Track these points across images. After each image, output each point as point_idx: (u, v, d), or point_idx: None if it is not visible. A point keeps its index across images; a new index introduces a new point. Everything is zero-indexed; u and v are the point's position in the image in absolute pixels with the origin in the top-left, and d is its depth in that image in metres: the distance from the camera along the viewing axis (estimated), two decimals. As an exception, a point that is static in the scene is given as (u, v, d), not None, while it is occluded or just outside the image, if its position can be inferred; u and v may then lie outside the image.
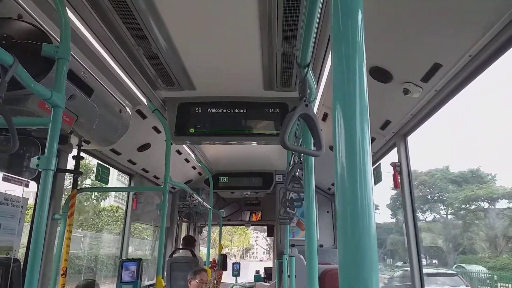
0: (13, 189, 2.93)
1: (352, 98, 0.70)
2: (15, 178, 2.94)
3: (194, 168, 6.69)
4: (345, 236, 0.64)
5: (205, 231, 10.48)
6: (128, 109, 3.49)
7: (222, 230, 8.13)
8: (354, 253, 0.62)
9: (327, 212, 7.02)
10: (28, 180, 2.97)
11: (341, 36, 0.74)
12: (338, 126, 0.70)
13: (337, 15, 0.76)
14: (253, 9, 2.35)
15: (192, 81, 3.40)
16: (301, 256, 5.64)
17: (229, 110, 3.72)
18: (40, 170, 1.76)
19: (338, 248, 0.66)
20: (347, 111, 0.70)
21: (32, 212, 3.34)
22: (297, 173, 2.71)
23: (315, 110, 2.88)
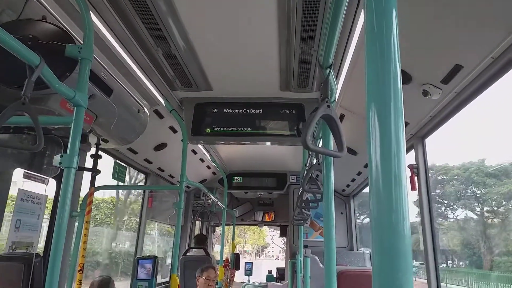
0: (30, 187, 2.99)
1: (388, 100, 0.70)
2: (36, 175, 3.00)
3: (208, 167, 6.72)
4: (380, 239, 0.64)
5: (218, 230, 10.52)
6: (146, 109, 3.53)
7: (236, 228, 8.15)
8: (388, 256, 0.62)
9: (341, 213, 6.99)
10: (49, 178, 3.03)
11: (375, 36, 0.74)
12: (373, 128, 0.70)
13: (371, 15, 0.75)
14: (272, 10, 2.35)
15: (209, 82, 3.42)
16: (316, 257, 5.62)
17: (245, 111, 3.73)
18: (63, 168, 1.80)
19: (372, 252, 0.66)
20: (382, 113, 0.69)
21: (51, 209, 3.40)
22: (313, 175, 2.71)
23: (332, 111, 2.87)
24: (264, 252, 57.21)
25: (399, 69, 0.73)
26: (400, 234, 0.63)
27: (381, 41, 0.74)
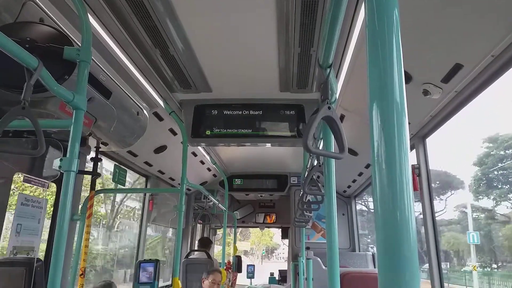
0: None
1: (390, 99, 0.69)
2: (36, 179, 2.99)
3: (209, 169, 6.71)
4: (385, 239, 0.62)
5: (219, 233, 10.51)
6: (145, 111, 3.52)
7: (240, 229, 8.13)
8: (394, 256, 0.61)
9: (343, 214, 6.97)
10: (48, 182, 3.02)
11: (377, 35, 0.73)
12: (376, 127, 0.69)
13: (372, 14, 0.74)
14: (271, 11, 2.35)
15: (209, 83, 3.41)
16: (318, 259, 5.61)
17: (245, 112, 3.72)
18: (63, 171, 1.79)
19: (378, 253, 0.65)
20: (385, 112, 0.68)
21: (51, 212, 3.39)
22: (314, 176, 2.69)
23: (332, 112, 2.86)
24: (274, 254, 54.45)
25: (402, 68, 0.72)
26: (405, 234, 0.61)
27: (382, 40, 0.73)
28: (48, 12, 2.15)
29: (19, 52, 1.45)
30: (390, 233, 0.63)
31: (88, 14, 2.07)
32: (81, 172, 3.32)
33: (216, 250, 12.68)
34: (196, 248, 7.50)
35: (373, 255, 6.56)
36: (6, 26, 1.89)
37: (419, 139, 3.48)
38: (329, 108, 1.33)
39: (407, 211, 0.63)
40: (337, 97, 3.54)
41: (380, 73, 0.72)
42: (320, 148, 2.64)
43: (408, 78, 2.63)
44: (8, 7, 1.93)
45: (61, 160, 1.79)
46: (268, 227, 9.80)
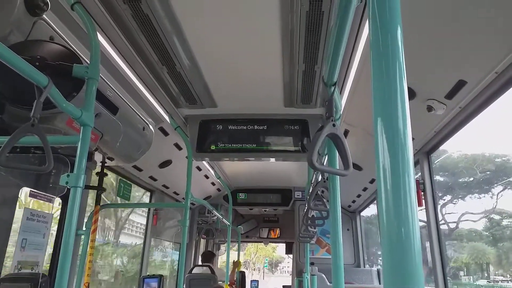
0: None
1: (394, 116, 0.70)
2: (42, 194, 3.01)
3: (213, 184, 6.71)
4: (390, 255, 0.63)
5: (223, 248, 10.44)
6: (151, 126, 3.55)
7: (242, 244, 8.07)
8: (400, 272, 0.62)
9: (348, 230, 6.92)
10: (55, 197, 3.03)
11: (381, 54, 0.75)
12: (381, 143, 0.70)
13: (376, 32, 0.76)
14: (275, 28, 2.39)
15: (214, 99, 3.45)
16: (323, 275, 5.55)
17: (249, 127, 3.75)
18: (69, 187, 1.80)
19: (383, 269, 0.66)
20: (389, 129, 0.70)
21: (57, 227, 3.39)
22: (318, 191, 2.70)
23: (337, 127, 2.88)
24: (278, 268, 52.42)
25: (406, 85, 0.74)
26: (410, 249, 0.62)
27: (386, 58, 0.75)
28: (58, 30, 2.20)
29: (30, 70, 1.48)
30: (395, 249, 0.63)
31: (97, 32, 2.11)
32: (87, 187, 3.34)
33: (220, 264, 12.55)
34: (199, 262, 7.45)
35: (378, 271, 6.49)
36: (17, 45, 1.93)
37: (423, 154, 3.48)
38: (333, 125, 1.34)
39: (412, 226, 0.64)
40: (341, 113, 3.58)
41: (385, 90, 0.74)
42: (325, 163, 2.65)
43: (412, 94, 2.65)
44: (19, 26, 1.98)
45: (68, 176, 1.81)
46: (272, 242, 9.73)
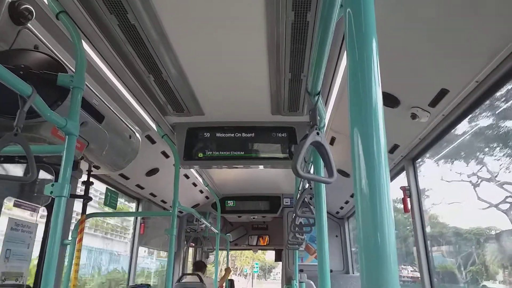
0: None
1: (369, 124, 0.72)
2: (26, 203, 2.97)
3: (201, 192, 6.69)
4: (367, 259, 0.65)
5: (211, 256, 10.38)
6: (137, 134, 3.53)
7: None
8: (376, 275, 0.63)
9: (336, 236, 6.94)
10: (40, 206, 2.99)
11: (357, 64, 0.77)
12: (357, 150, 0.72)
13: (352, 44, 0.78)
14: (262, 37, 2.41)
15: (201, 107, 3.46)
16: (311, 282, 5.55)
17: (237, 135, 3.76)
18: (54, 197, 1.78)
19: (361, 272, 0.67)
20: (365, 136, 0.72)
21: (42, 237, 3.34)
22: (306, 198, 2.71)
23: (323, 135, 2.91)
24: (271, 274, 49.06)
25: (380, 94, 0.76)
26: (386, 254, 0.64)
27: (361, 67, 0.77)
28: (43, 39, 2.19)
29: (13, 80, 1.47)
30: (371, 253, 0.65)
31: (82, 41, 2.11)
32: (73, 196, 3.30)
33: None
34: (189, 271, 7.39)
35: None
36: (1, 54, 1.92)
37: (408, 161, 3.53)
38: (317, 133, 1.36)
39: (387, 232, 0.66)
40: (327, 121, 3.61)
41: (360, 99, 0.76)
42: (311, 171, 2.67)
43: (397, 102, 2.69)
44: (3, 35, 1.96)
45: (52, 185, 1.79)
46: (261, 250, 9.71)
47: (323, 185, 2.04)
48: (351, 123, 0.75)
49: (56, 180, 1.82)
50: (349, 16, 0.80)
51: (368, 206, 0.68)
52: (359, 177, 0.70)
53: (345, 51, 2.36)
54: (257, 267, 41.75)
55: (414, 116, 2.70)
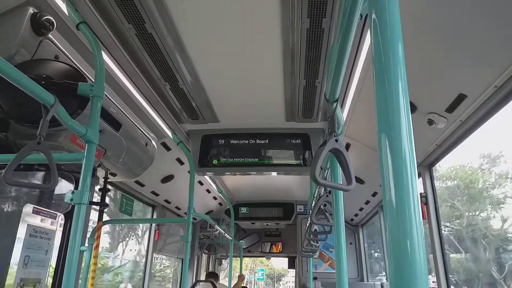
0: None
1: (398, 130, 0.71)
2: (45, 211, 3.01)
3: (215, 198, 6.70)
4: (397, 268, 0.64)
5: (225, 262, 10.36)
6: (153, 142, 3.57)
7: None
8: (406, 283, 0.63)
9: (350, 243, 6.87)
10: (58, 213, 3.03)
11: (383, 69, 0.76)
12: (385, 158, 0.71)
13: (378, 50, 0.78)
14: (277, 44, 2.42)
15: (216, 114, 3.48)
16: None
17: (251, 141, 3.77)
18: (74, 204, 1.81)
19: (390, 281, 0.66)
20: (393, 144, 0.71)
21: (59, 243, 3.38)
22: (321, 206, 2.70)
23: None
24: (281, 282, 47.57)
25: (408, 99, 0.75)
26: (416, 262, 0.63)
27: (388, 74, 0.76)
28: (63, 49, 2.24)
29: (37, 90, 1.50)
30: (401, 262, 0.65)
31: (101, 51, 2.15)
32: (91, 203, 3.34)
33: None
34: (201, 278, 7.39)
35: (382, 285, 6.42)
36: (23, 64, 1.96)
37: (425, 167, 3.49)
38: (336, 140, 1.36)
39: (417, 239, 0.65)
40: (342, 127, 3.60)
41: (387, 105, 0.75)
42: (327, 178, 2.66)
43: (413, 108, 2.67)
44: (25, 45, 2.01)
45: (72, 193, 1.82)
46: (275, 257, 9.65)
47: (340, 193, 2.03)
48: (379, 129, 0.75)
49: (76, 187, 1.84)
50: (375, 22, 0.80)
51: (397, 216, 0.68)
52: (388, 185, 0.70)
53: (361, 56, 2.36)
54: (262, 274, 34.03)
55: (431, 122, 2.67)
